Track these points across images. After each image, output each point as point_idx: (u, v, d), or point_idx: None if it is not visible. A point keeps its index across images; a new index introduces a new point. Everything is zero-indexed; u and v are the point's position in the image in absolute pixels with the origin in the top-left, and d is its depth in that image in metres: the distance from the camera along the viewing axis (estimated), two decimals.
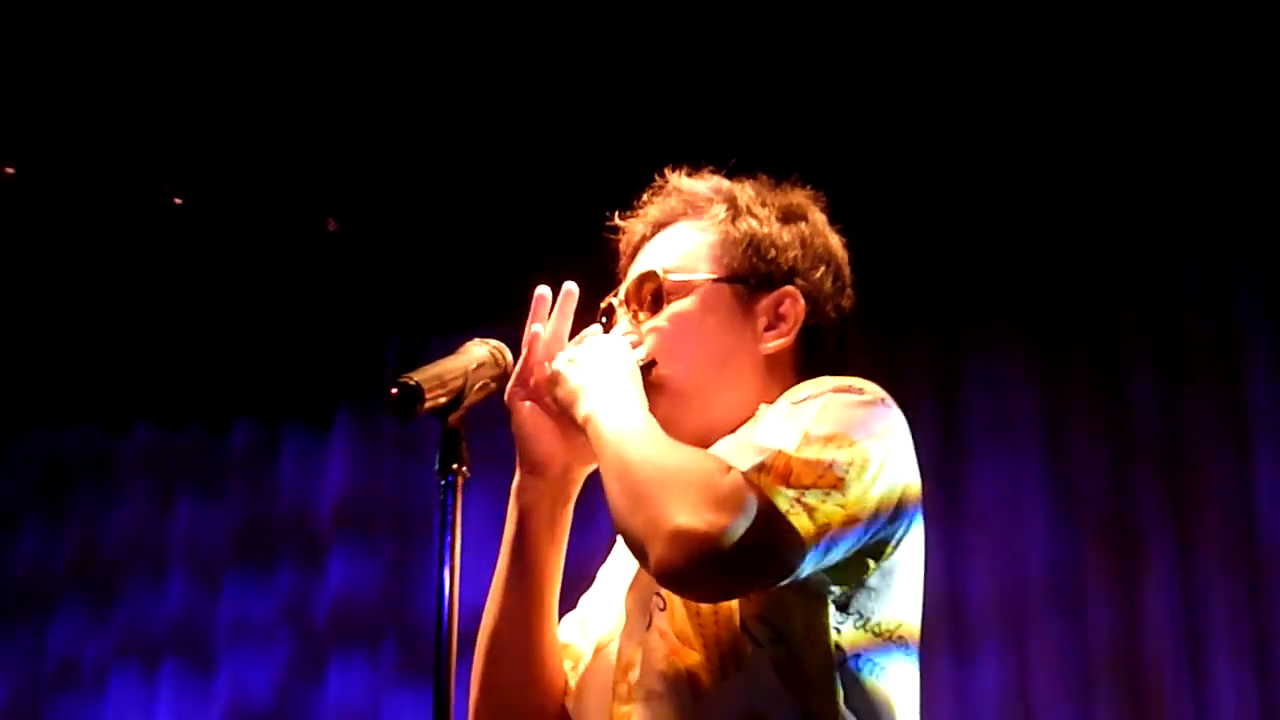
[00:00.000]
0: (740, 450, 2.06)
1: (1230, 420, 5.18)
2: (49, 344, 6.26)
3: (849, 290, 2.38)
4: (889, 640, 2.13)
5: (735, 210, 2.35)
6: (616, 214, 2.44)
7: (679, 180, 2.41)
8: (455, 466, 2.02)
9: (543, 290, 2.27)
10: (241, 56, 5.11)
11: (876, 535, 2.06)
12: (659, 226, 2.39)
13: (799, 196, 2.40)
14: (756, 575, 1.99)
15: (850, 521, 2.00)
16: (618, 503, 2.03)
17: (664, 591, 2.11)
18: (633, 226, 2.41)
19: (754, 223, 2.33)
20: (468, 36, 5.07)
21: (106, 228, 5.75)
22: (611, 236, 2.45)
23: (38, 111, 5.25)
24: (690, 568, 1.94)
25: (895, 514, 2.08)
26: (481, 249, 5.83)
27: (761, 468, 2.00)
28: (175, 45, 5.04)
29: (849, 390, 2.13)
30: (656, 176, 2.43)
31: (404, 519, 5.87)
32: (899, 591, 2.15)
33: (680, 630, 2.11)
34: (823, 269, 2.34)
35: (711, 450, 2.12)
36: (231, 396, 6.29)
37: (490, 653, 2.28)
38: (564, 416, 2.20)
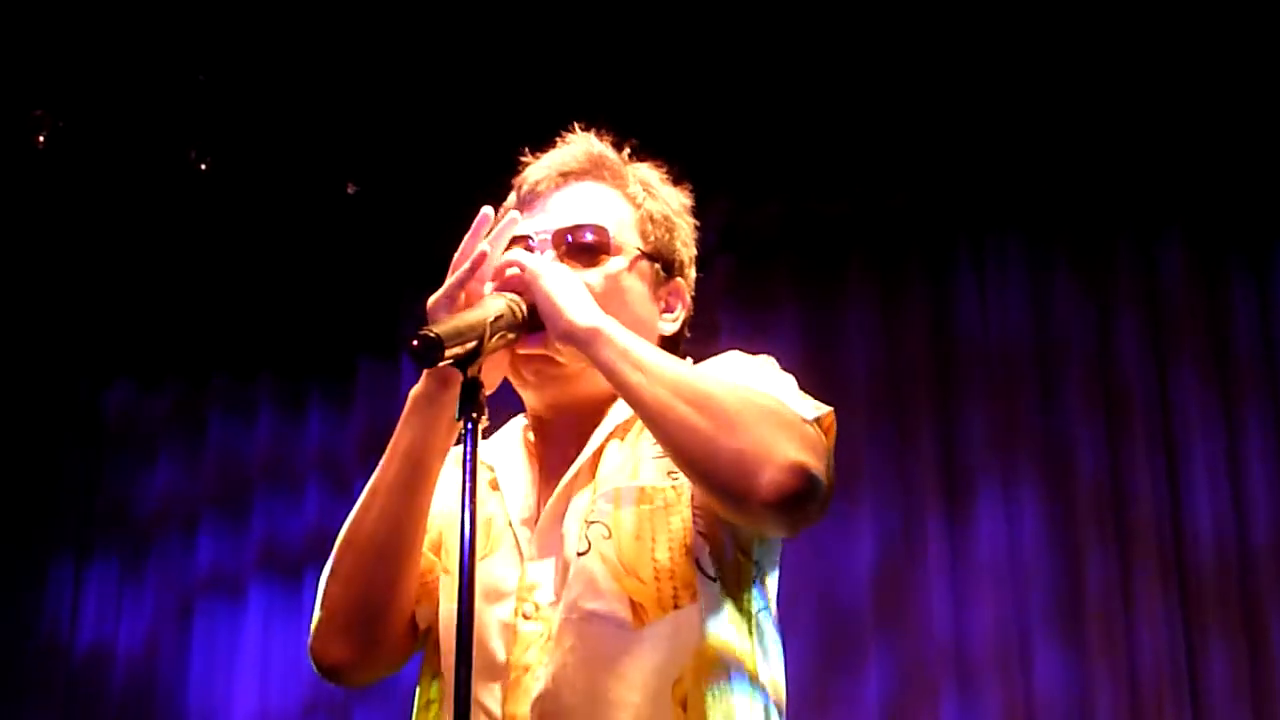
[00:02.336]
0: (783, 390, 2.22)
1: None
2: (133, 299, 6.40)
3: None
4: (768, 594, 2.31)
5: (650, 193, 2.44)
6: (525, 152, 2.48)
7: (591, 140, 2.48)
8: (474, 415, 2.09)
9: (487, 210, 2.28)
10: (263, 26, 5.19)
11: None
12: (572, 177, 2.43)
13: (683, 193, 2.49)
14: (820, 516, 2.15)
15: None
16: (697, 423, 2.08)
17: (609, 521, 2.22)
18: (542, 168, 2.45)
19: (667, 210, 2.45)
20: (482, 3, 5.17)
21: (134, 194, 5.85)
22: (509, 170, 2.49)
23: (67, 82, 5.32)
24: (800, 497, 2.07)
25: None
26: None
27: (819, 422, 2.19)
28: (199, 15, 5.11)
29: (772, 362, 2.33)
30: (563, 131, 2.49)
31: None
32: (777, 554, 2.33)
33: (626, 559, 2.21)
34: (692, 271, 2.48)
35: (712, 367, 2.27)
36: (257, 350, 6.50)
37: (367, 550, 2.28)
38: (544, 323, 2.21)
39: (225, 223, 6.02)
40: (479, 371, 2.11)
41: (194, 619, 6.21)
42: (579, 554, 2.22)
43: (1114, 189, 5.58)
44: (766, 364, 2.33)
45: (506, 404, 2.43)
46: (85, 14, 5.08)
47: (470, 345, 2.11)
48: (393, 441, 2.30)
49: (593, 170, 2.44)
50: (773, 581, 2.33)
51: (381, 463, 2.30)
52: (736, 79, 5.42)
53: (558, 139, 2.49)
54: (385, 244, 6.14)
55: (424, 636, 2.36)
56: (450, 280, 2.23)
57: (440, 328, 2.08)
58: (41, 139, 5.35)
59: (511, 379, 2.37)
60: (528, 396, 2.41)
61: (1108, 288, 5.56)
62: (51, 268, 6.22)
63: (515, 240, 2.35)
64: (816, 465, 2.10)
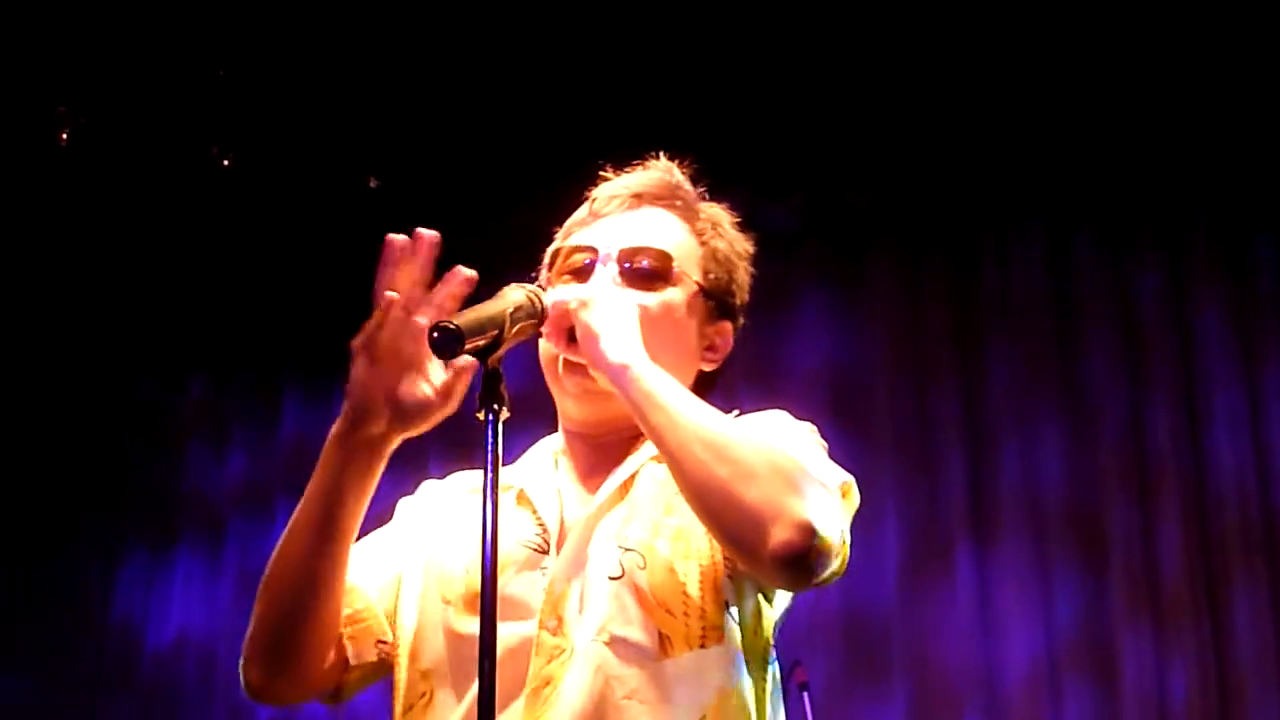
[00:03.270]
0: (810, 453, 2.22)
1: None
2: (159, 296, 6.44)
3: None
4: (775, 644, 2.32)
5: (717, 232, 2.45)
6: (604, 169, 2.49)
7: (672, 170, 2.49)
8: (495, 406, 2.09)
9: (391, 237, 2.21)
10: (284, 21, 5.20)
11: None
12: (645, 200, 2.44)
13: (749, 241, 2.50)
14: (829, 578, 2.14)
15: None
16: (715, 472, 2.09)
17: (643, 550, 2.22)
18: (619, 186, 2.46)
19: (731, 253, 2.45)
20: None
21: (158, 191, 5.88)
22: (582, 182, 2.49)
23: (90, 81, 5.35)
24: (807, 557, 2.07)
25: None
26: (512, 205, 5.95)
27: (841, 487, 2.22)
28: (220, 11, 5.12)
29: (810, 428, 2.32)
30: (648, 157, 2.50)
31: None
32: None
33: (659, 591, 2.21)
34: (742, 318, 2.47)
35: (744, 423, 2.26)
36: (281, 348, 6.53)
37: (283, 586, 2.26)
38: (583, 362, 2.25)
39: (250, 218, 6.04)
40: (499, 363, 2.12)
41: None
42: (611, 577, 2.22)
43: (1136, 179, 5.57)
44: (802, 428, 2.32)
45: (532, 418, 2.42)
46: (107, 11, 5.10)
47: (491, 335, 2.11)
48: (311, 480, 2.26)
49: (666, 198, 2.45)
50: (775, 627, 2.33)
51: (301, 501, 2.25)
52: (761, 72, 5.43)
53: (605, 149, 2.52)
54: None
55: (374, 670, 2.34)
56: (369, 324, 2.18)
57: (460, 319, 2.08)
58: (64, 136, 5.37)
59: (552, 386, 2.38)
60: (566, 406, 2.40)
61: (1130, 279, 5.54)
62: (87, 268, 6.26)
63: (580, 249, 2.38)
64: (827, 527, 2.09)
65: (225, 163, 5.50)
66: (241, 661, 2.29)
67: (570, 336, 2.26)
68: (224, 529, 6.38)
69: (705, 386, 2.39)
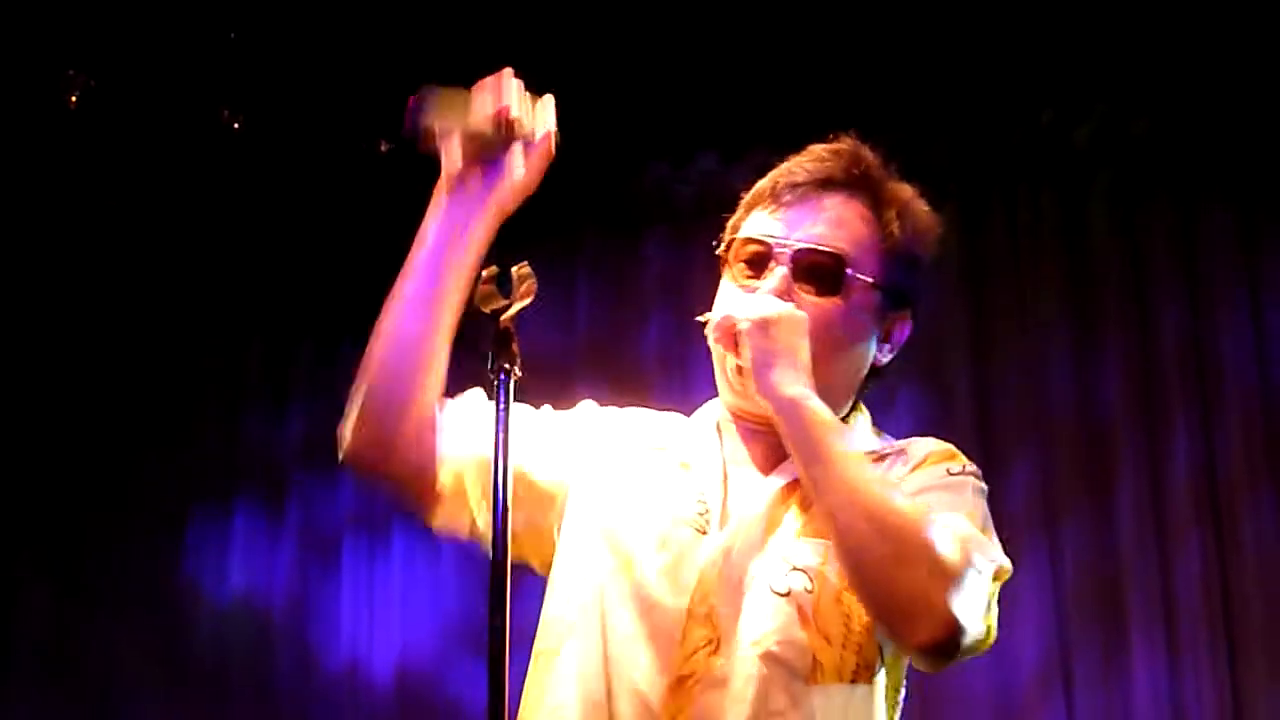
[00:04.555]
0: (971, 526, 2.22)
1: None
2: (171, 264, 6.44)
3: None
4: None
5: (903, 222, 2.39)
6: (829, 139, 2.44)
7: (861, 151, 2.42)
8: (506, 365, 2.10)
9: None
10: None
11: None
12: (831, 188, 2.38)
13: (935, 219, 2.44)
14: (967, 658, 2.20)
15: None
16: (870, 545, 2.10)
17: (814, 575, 2.22)
18: (803, 170, 2.40)
19: (916, 244, 2.40)
20: None
21: (168, 153, 5.87)
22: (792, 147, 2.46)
23: (99, 42, 5.34)
24: (948, 651, 2.12)
25: None
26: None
27: (996, 572, 2.22)
28: None
29: (976, 475, 2.32)
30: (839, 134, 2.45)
31: None
32: None
33: (821, 617, 2.21)
34: (922, 300, 2.44)
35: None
36: (295, 316, 6.55)
37: (389, 337, 2.31)
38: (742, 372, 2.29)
39: (261, 181, 6.04)
40: (512, 321, 2.12)
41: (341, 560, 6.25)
42: (776, 592, 2.22)
43: (1150, 142, 5.54)
44: (968, 487, 2.31)
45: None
46: None
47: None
48: (411, 250, 2.32)
49: (853, 185, 2.38)
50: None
51: (401, 272, 2.31)
52: (775, 26, 5.41)
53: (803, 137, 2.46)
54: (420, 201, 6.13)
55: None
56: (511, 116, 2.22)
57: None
58: (74, 99, 5.37)
59: (716, 365, 2.40)
60: (728, 398, 2.42)
61: (1143, 240, 5.52)
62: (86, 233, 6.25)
63: (753, 241, 2.36)
64: (973, 623, 2.12)
65: (235, 125, 5.51)
66: (341, 428, 2.35)
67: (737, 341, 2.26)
68: (286, 488, 6.38)
69: (876, 377, 2.40)
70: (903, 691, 2.32)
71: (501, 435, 2.06)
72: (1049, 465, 5.45)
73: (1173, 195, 5.50)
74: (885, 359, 2.41)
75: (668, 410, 2.50)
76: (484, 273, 2.12)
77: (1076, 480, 5.42)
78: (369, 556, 6.23)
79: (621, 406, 2.53)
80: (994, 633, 2.19)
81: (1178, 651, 5.15)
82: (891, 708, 2.28)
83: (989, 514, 2.29)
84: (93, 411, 6.57)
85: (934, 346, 5.65)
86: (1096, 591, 5.29)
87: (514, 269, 2.13)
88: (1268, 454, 5.21)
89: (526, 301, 2.16)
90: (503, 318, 2.11)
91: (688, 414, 2.47)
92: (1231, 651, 5.11)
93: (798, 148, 5.87)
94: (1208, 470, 5.28)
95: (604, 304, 6.14)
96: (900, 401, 5.39)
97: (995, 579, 2.23)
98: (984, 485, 2.32)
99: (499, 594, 2.02)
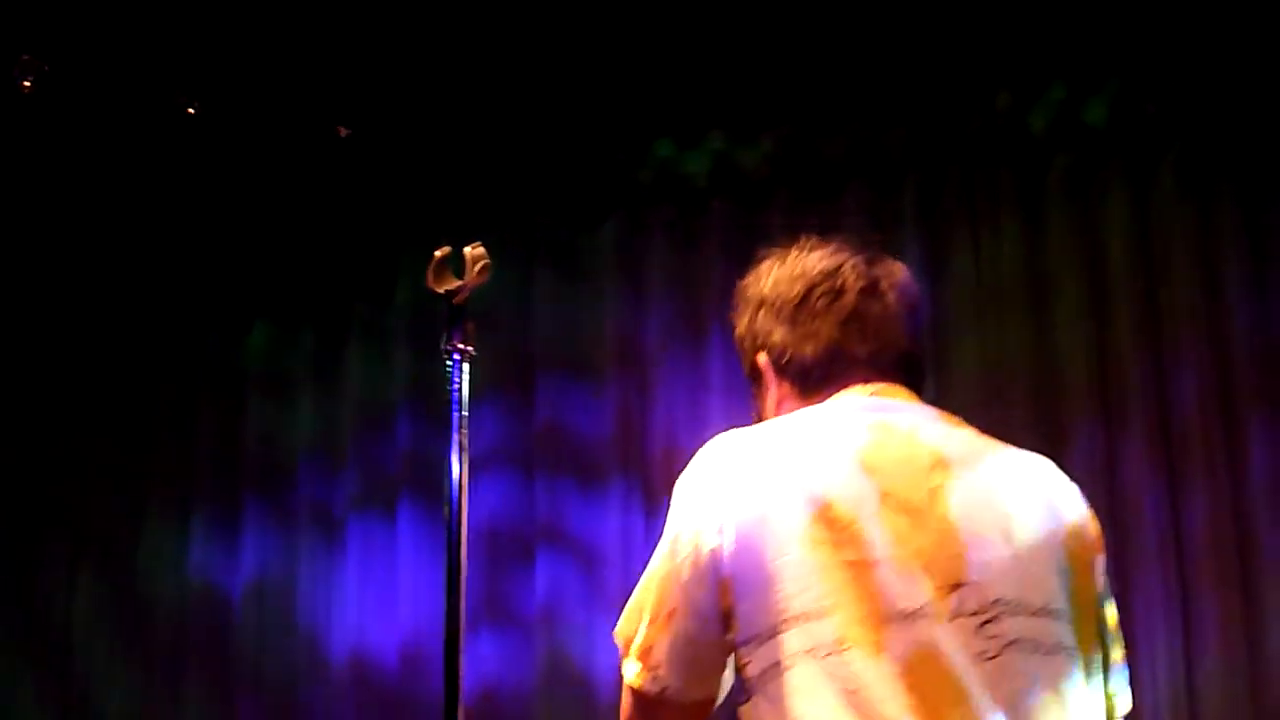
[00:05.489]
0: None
1: None
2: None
3: (804, 296, 2.44)
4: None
5: (739, 316, 2.54)
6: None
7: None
8: (460, 344, 2.11)
9: None
10: None
11: None
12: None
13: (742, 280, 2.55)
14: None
15: None
16: None
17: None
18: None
19: (739, 327, 2.52)
20: None
21: (121, 138, 5.85)
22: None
23: (52, 25, 5.32)
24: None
25: None
26: (489, 159, 5.95)
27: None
28: None
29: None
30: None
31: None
32: None
33: None
34: (764, 314, 2.46)
35: None
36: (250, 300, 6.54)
37: None
38: None
39: (215, 166, 6.02)
40: (465, 301, 2.13)
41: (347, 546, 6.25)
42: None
43: (1107, 127, 5.57)
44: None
45: None
46: None
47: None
48: None
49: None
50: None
51: None
52: (731, 11, 5.42)
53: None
54: (381, 188, 6.15)
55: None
56: None
57: None
58: (28, 84, 5.33)
59: None
60: None
61: (1100, 221, 5.55)
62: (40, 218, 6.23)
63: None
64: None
65: (190, 110, 5.47)
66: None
67: None
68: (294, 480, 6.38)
69: (800, 376, 2.43)
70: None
71: (458, 414, 2.07)
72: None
73: (1130, 180, 5.52)
74: (770, 397, 2.48)
75: None
76: (437, 253, 2.13)
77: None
78: (371, 539, 6.23)
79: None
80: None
81: None
82: None
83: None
84: (60, 391, 6.58)
85: None
86: None
87: (467, 249, 2.14)
88: (1222, 414, 5.27)
89: (481, 282, 2.17)
90: (455, 298, 2.12)
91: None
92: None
93: (753, 135, 5.94)
94: (1164, 441, 5.33)
95: (561, 288, 6.15)
96: None
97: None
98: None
99: (454, 574, 2.03)
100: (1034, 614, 2.16)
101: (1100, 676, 2.28)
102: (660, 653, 2.19)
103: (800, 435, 2.25)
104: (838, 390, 2.36)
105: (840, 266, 2.40)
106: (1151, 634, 5.20)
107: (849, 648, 2.08)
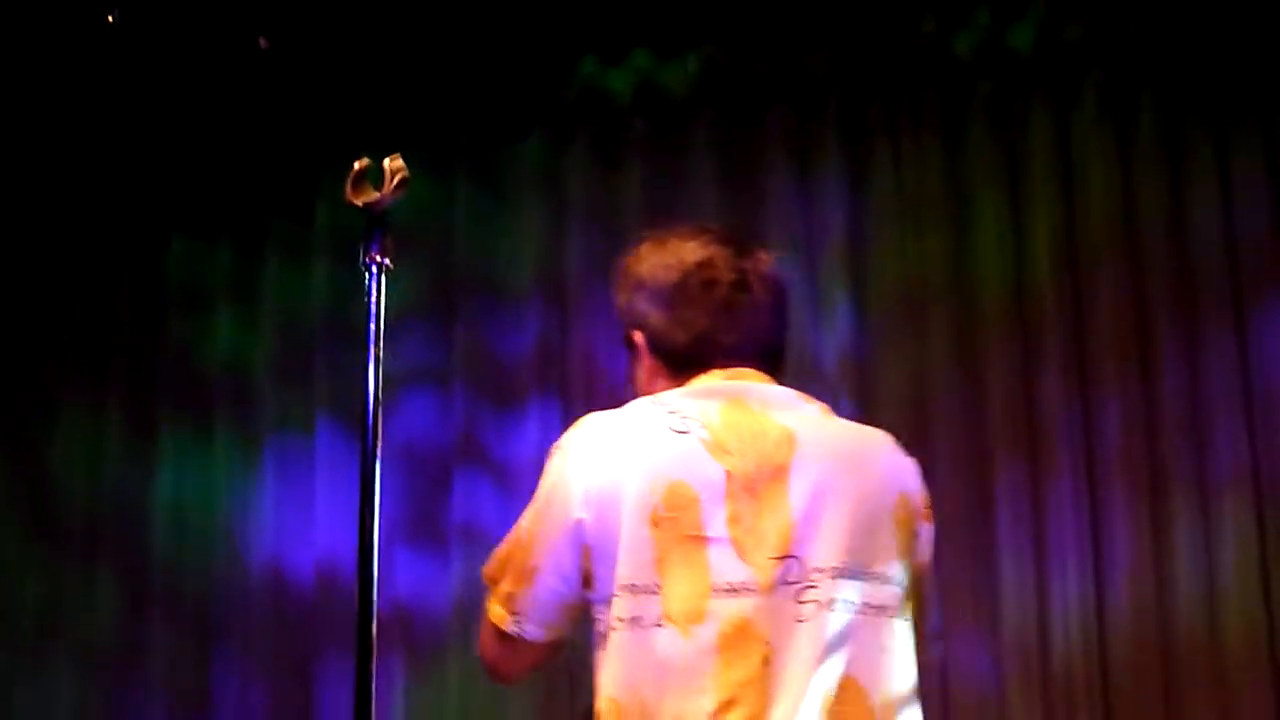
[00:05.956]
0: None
1: None
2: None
3: (679, 285, 2.61)
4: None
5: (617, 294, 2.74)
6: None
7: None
8: (378, 257, 2.11)
9: None
10: None
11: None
12: None
13: (629, 251, 2.73)
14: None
15: None
16: None
17: None
18: None
19: (617, 301, 2.72)
20: None
21: (39, 47, 5.77)
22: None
23: None
24: None
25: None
26: (413, 74, 5.91)
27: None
28: None
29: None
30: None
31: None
32: None
33: None
34: (642, 295, 2.65)
35: None
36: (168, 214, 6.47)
37: None
38: None
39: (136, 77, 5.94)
40: (384, 213, 2.12)
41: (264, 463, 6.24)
42: None
43: (1031, 50, 5.59)
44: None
45: None
46: None
47: None
48: None
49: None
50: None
51: None
52: None
53: None
54: (303, 101, 6.09)
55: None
56: None
57: None
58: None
59: None
60: None
61: (1021, 142, 5.59)
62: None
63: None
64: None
65: (110, 18, 5.41)
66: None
67: None
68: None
69: (671, 356, 2.61)
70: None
71: (374, 327, 2.07)
72: (927, 360, 5.54)
73: (1052, 103, 5.56)
74: (641, 372, 2.68)
75: None
76: (356, 165, 2.12)
77: (953, 373, 5.52)
78: (289, 456, 6.22)
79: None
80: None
81: None
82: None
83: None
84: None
85: (813, 255, 5.69)
86: None
87: (386, 161, 2.13)
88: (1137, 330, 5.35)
89: (400, 194, 2.15)
90: (374, 210, 2.11)
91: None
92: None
93: (678, 55, 5.92)
94: (1078, 354, 5.41)
95: (482, 206, 6.13)
96: None
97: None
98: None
99: (368, 487, 2.03)
100: (858, 579, 2.40)
101: (914, 639, 2.51)
102: (523, 602, 2.48)
103: (660, 418, 2.48)
104: (701, 372, 2.56)
105: (713, 258, 2.60)
106: (1062, 547, 5.28)
107: (667, 621, 2.33)
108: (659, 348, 2.60)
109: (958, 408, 5.49)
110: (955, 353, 5.53)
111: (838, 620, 2.36)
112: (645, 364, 2.63)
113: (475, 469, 5.91)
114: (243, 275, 6.43)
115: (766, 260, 2.65)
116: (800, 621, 2.34)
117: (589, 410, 5.71)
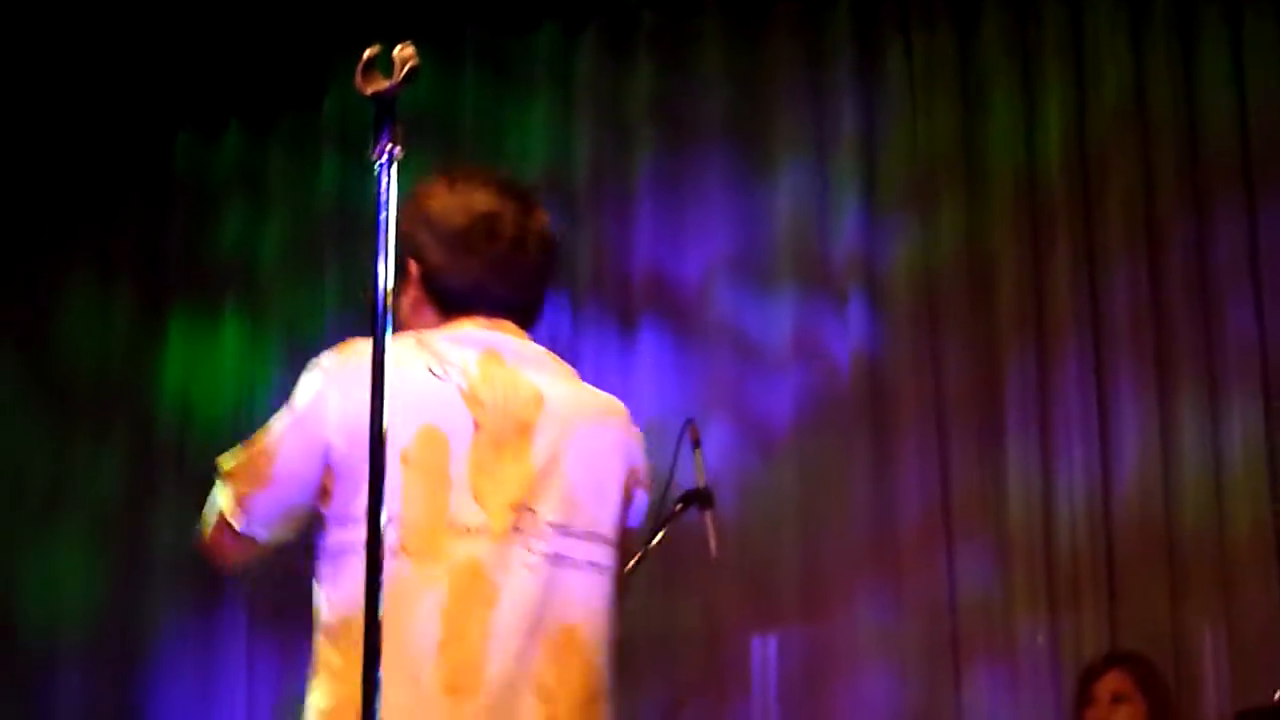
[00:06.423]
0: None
1: None
2: None
3: (464, 232, 2.65)
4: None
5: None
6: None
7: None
8: (389, 145, 2.10)
9: None
10: None
11: None
12: None
13: (423, 181, 2.69)
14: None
15: None
16: None
17: None
18: None
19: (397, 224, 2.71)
20: None
21: None
22: None
23: None
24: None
25: None
26: None
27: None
28: None
29: None
30: None
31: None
32: None
33: None
34: (425, 230, 2.66)
35: None
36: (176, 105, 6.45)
37: None
38: None
39: None
40: (393, 101, 2.12)
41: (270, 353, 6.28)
42: None
43: None
44: None
45: None
46: None
47: None
48: None
49: None
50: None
51: None
52: None
53: None
54: None
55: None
56: None
57: None
58: None
59: None
60: None
61: (1034, 29, 5.58)
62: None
63: None
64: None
65: None
66: None
67: None
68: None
69: (442, 294, 2.66)
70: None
71: (384, 216, 2.07)
72: (936, 248, 5.56)
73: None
74: (407, 301, 2.71)
75: None
76: (366, 53, 2.10)
77: (962, 261, 5.53)
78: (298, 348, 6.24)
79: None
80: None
81: None
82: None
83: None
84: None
85: (824, 147, 5.70)
86: None
87: (396, 50, 2.12)
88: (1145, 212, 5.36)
89: (409, 84, 2.15)
90: (383, 99, 2.11)
91: None
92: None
93: None
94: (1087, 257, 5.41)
95: (490, 98, 6.11)
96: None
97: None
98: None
99: (378, 380, 2.04)
100: (580, 536, 2.56)
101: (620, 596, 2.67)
102: (256, 504, 2.56)
103: (422, 360, 2.57)
104: (465, 317, 2.65)
105: (500, 213, 2.66)
106: (1069, 435, 5.31)
107: (402, 553, 2.44)
108: (432, 285, 2.66)
109: (966, 296, 5.49)
110: (965, 241, 5.52)
111: (562, 573, 2.53)
112: (413, 294, 2.69)
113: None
114: (250, 166, 6.42)
115: (544, 219, 2.73)
116: (528, 569, 2.50)
117: (599, 307, 5.77)
